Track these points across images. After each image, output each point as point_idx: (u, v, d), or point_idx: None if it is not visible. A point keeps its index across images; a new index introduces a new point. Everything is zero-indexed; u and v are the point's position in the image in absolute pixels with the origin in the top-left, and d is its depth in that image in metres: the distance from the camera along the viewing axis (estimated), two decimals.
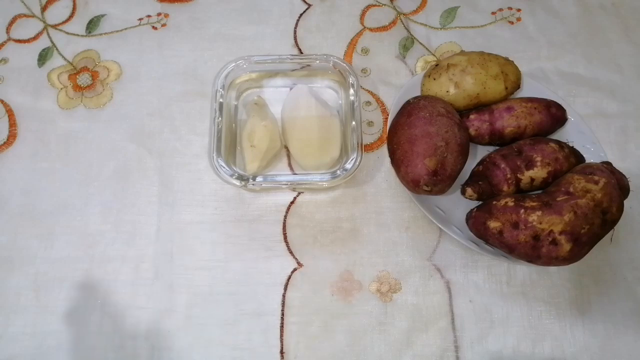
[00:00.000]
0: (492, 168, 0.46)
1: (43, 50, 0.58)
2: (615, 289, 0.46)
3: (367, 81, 0.56)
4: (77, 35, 0.59)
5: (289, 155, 0.52)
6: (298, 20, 0.60)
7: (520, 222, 0.41)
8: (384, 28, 0.59)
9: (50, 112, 0.54)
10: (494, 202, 0.43)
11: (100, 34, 0.59)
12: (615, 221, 0.41)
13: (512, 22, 0.60)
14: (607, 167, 0.44)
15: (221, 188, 0.50)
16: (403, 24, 0.60)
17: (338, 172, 0.47)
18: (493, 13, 0.61)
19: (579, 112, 0.52)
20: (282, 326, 0.45)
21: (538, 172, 0.45)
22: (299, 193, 0.50)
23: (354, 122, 0.48)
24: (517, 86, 0.51)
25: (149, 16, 0.60)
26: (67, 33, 0.59)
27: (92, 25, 0.59)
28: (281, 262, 0.47)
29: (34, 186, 0.50)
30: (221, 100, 0.50)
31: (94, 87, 0.55)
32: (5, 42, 0.58)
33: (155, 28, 0.59)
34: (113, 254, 0.48)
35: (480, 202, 0.46)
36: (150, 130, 0.53)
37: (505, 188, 0.45)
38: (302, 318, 0.45)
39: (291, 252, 0.48)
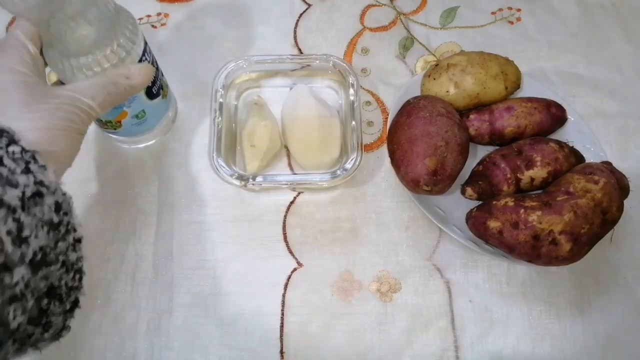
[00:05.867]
0: (492, 168, 0.46)
1: None
2: (615, 289, 0.46)
3: (367, 81, 0.56)
4: None
5: (289, 155, 0.52)
6: (298, 20, 0.60)
7: (520, 222, 0.41)
8: (384, 28, 0.59)
9: None
10: (494, 202, 0.43)
11: None
12: (615, 221, 0.41)
13: (512, 22, 0.60)
14: (607, 167, 0.44)
15: (221, 188, 0.50)
16: (403, 23, 0.60)
17: (338, 172, 0.47)
18: (493, 13, 0.61)
19: (579, 112, 0.52)
20: (282, 326, 0.45)
21: (538, 172, 0.45)
22: (299, 193, 0.50)
23: (354, 122, 0.48)
24: (517, 86, 0.51)
25: (148, 16, 0.60)
26: None
27: None
28: (281, 262, 0.47)
29: None
30: (221, 100, 0.50)
31: None
32: None
33: (155, 27, 0.59)
34: (113, 254, 0.48)
35: (480, 202, 0.46)
36: None
37: (505, 188, 0.45)
38: (302, 318, 0.45)
39: (291, 252, 0.48)
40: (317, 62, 0.52)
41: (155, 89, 0.46)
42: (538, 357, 0.44)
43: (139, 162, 0.51)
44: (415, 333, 0.45)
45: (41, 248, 0.28)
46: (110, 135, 0.50)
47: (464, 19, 0.60)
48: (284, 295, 0.46)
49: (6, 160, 0.28)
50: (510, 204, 0.42)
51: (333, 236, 0.48)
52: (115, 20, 0.40)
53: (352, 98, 0.50)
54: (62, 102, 0.34)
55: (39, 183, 0.28)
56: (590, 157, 0.48)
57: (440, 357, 0.44)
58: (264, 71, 0.53)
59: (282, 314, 0.45)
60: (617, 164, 0.46)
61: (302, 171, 0.50)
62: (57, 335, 0.31)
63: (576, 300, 0.46)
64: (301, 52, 0.58)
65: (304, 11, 0.60)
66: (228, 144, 0.49)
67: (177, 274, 0.47)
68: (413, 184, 0.44)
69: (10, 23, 0.59)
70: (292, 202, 0.50)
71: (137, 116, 0.47)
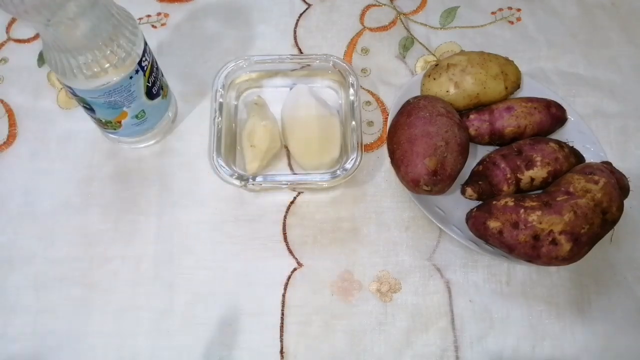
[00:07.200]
0: (492, 168, 0.46)
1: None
2: (615, 289, 0.46)
3: (367, 81, 0.56)
4: None
5: (289, 155, 0.52)
6: (298, 20, 0.60)
7: (520, 222, 0.41)
8: (383, 28, 0.59)
9: (50, 112, 0.54)
10: (494, 202, 0.43)
11: None
12: (615, 221, 0.41)
13: (512, 22, 0.60)
14: (607, 167, 0.44)
15: (221, 188, 0.50)
16: (403, 23, 0.60)
17: (338, 172, 0.47)
18: (493, 13, 0.61)
19: (579, 112, 0.52)
20: (282, 326, 0.45)
21: (538, 172, 0.45)
22: (299, 193, 0.50)
23: (354, 122, 0.48)
24: (517, 86, 0.51)
25: (148, 16, 0.60)
26: None
27: None
28: (281, 262, 0.47)
29: (34, 186, 0.50)
30: (221, 100, 0.50)
31: None
32: (5, 42, 0.58)
33: (155, 27, 0.59)
34: (113, 254, 0.47)
35: (480, 202, 0.46)
36: None
37: (505, 188, 0.45)
38: (302, 318, 0.45)
39: (291, 252, 0.48)
40: (317, 62, 0.52)
41: (155, 89, 0.46)
42: (538, 357, 0.44)
43: (139, 162, 0.51)
44: (415, 333, 0.45)
45: None
46: (110, 135, 0.50)
47: (464, 19, 0.60)
48: (284, 295, 0.46)
49: None
50: (510, 204, 0.42)
51: (333, 236, 0.48)
52: (115, 20, 0.40)
53: (352, 98, 0.50)
54: None
55: None
56: (590, 157, 0.48)
57: (440, 357, 0.44)
58: (264, 71, 0.53)
59: (282, 314, 0.45)
60: (617, 164, 0.46)
61: (302, 171, 0.50)
62: None
63: (576, 300, 0.46)
64: (301, 52, 0.58)
65: (304, 11, 0.60)
66: (228, 144, 0.49)
67: (177, 274, 0.47)
68: (413, 184, 0.44)
69: (11, 23, 0.60)
70: (292, 202, 0.50)
71: (137, 116, 0.47)
